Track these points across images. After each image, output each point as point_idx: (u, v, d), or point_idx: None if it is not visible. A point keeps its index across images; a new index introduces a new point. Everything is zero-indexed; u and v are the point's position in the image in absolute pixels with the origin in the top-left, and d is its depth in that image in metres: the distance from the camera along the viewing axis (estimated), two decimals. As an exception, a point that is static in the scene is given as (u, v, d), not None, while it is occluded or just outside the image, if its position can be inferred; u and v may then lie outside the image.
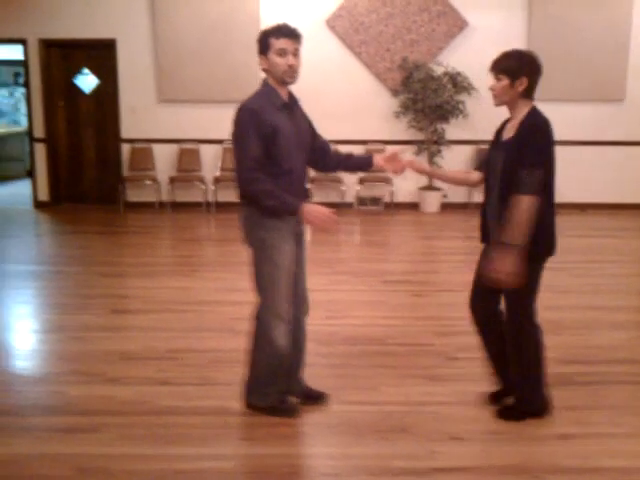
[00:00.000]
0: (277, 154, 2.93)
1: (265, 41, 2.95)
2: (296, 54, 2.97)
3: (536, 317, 3.08)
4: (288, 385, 3.25)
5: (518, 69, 2.91)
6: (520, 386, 3.16)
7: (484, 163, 3.23)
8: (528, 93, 2.96)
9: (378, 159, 3.25)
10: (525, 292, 3.00)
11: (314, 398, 3.32)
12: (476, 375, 3.65)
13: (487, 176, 3.10)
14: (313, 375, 3.50)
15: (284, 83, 3.00)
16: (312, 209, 2.93)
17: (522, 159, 2.84)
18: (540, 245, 2.95)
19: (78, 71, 8.99)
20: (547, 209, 2.94)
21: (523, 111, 2.97)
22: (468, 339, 4.18)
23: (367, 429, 3.09)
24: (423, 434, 3.04)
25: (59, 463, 2.80)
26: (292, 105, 3.07)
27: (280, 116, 2.96)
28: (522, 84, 2.92)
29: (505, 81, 2.93)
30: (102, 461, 2.81)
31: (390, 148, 8.91)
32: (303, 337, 3.29)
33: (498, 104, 3.03)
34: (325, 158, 3.28)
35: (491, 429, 3.09)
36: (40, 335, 4.42)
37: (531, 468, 2.77)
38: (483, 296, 3.16)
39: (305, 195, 3.13)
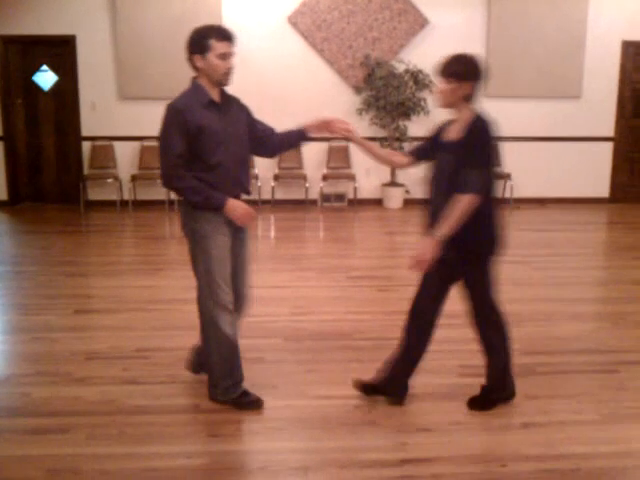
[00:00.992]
0: (202, 150, 3.03)
1: (204, 42, 2.99)
2: (233, 57, 3.05)
3: (499, 307, 3.18)
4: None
5: (465, 73, 2.99)
6: (492, 375, 3.25)
7: (420, 150, 3.34)
8: (471, 97, 3.04)
9: (309, 129, 3.31)
10: (486, 287, 3.13)
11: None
12: (442, 367, 3.71)
13: (434, 176, 3.14)
14: (281, 371, 3.52)
15: (220, 85, 3.08)
16: (233, 205, 3.06)
17: (469, 160, 2.92)
18: (488, 245, 3.07)
19: (37, 68, 8.83)
20: (491, 208, 3.04)
21: (466, 114, 3.04)
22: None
23: (336, 423, 3.12)
24: (391, 426, 3.09)
25: (28, 465, 2.77)
26: (224, 103, 3.13)
27: (206, 114, 3.04)
28: (467, 88, 3.00)
29: (453, 84, 3.00)
30: (72, 462, 2.78)
31: (352, 145, 8.98)
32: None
33: (444, 106, 3.09)
34: (267, 143, 3.35)
35: (457, 420, 3.15)
36: (1, 336, 4.36)
37: (497, 457, 2.84)
38: (436, 294, 3.19)
39: (241, 188, 3.21)
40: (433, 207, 3.11)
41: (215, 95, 3.08)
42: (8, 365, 3.87)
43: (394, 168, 3.33)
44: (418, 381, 3.55)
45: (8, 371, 3.76)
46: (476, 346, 3.84)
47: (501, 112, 8.70)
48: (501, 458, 2.83)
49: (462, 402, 3.30)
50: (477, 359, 3.85)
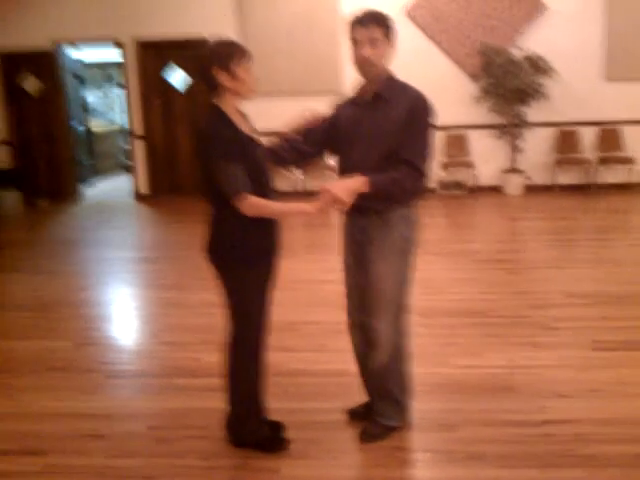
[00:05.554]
0: None
1: None
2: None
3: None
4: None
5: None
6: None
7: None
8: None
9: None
10: None
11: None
12: (576, 342, 3.92)
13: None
14: (420, 343, 3.81)
15: None
16: None
17: None
18: None
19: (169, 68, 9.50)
20: None
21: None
22: (563, 310, 4.45)
23: (477, 388, 3.40)
24: (530, 392, 3.33)
25: (208, 415, 3.21)
26: None
27: None
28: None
29: None
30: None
31: (470, 132, 9.10)
32: None
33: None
34: None
35: (593, 387, 3.35)
36: (172, 310, 4.93)
37: (636, 420, 3.03)
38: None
39: None
40: None
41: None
42: (178, 335, 4.39)
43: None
44: (553, 354, 3.77)
45: (180, 339, 4.29)
46: (610, 323, 4.00)
47: (623, 95, 8.64)
48: (633, 421, 3.01)
49: (598, 373, 3.49)
50: (610, 334, 4.02)
